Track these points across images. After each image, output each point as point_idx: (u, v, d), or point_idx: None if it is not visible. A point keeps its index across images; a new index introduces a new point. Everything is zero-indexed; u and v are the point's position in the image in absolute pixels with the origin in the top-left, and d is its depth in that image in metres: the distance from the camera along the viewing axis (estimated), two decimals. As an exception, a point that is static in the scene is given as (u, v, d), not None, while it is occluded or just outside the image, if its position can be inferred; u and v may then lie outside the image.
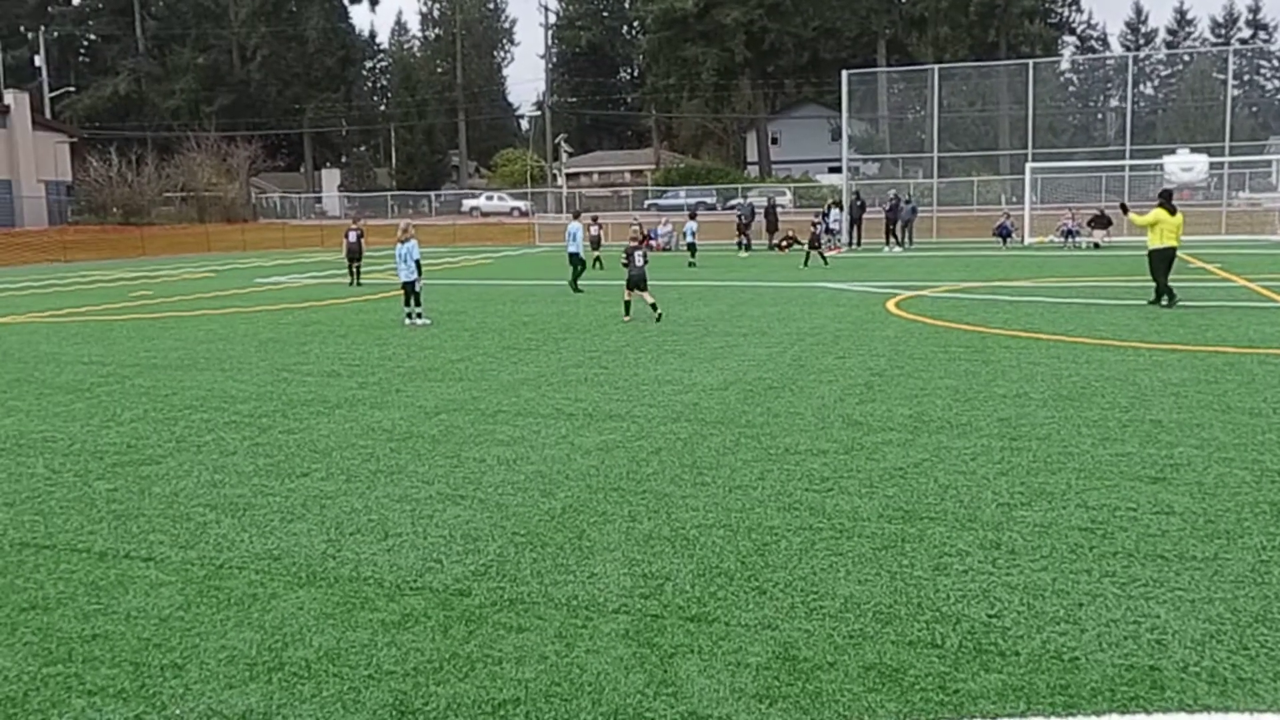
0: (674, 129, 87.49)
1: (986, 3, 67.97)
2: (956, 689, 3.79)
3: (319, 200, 78.23)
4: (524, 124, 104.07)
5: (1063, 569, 4.93)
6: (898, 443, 7.44)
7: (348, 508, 6.20)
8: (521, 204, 67.46)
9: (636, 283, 15.58)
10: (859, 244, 37.14)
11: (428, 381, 10.56)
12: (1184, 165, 37.56)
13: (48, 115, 62.51)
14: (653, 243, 37.98)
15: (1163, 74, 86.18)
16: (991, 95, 57.62)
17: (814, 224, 29.62)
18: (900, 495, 6.17)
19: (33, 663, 4.20)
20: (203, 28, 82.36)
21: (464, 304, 18.82)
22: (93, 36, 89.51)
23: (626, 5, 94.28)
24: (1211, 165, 38.80)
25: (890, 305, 16.72)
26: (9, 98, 52.56)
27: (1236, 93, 41.33)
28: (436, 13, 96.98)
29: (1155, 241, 15.72)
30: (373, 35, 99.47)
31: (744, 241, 35.61)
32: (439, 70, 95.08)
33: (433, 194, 75.82)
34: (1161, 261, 15.69)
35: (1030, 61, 44.00)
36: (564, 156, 79.73)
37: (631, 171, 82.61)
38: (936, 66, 45.32)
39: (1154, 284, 15.77)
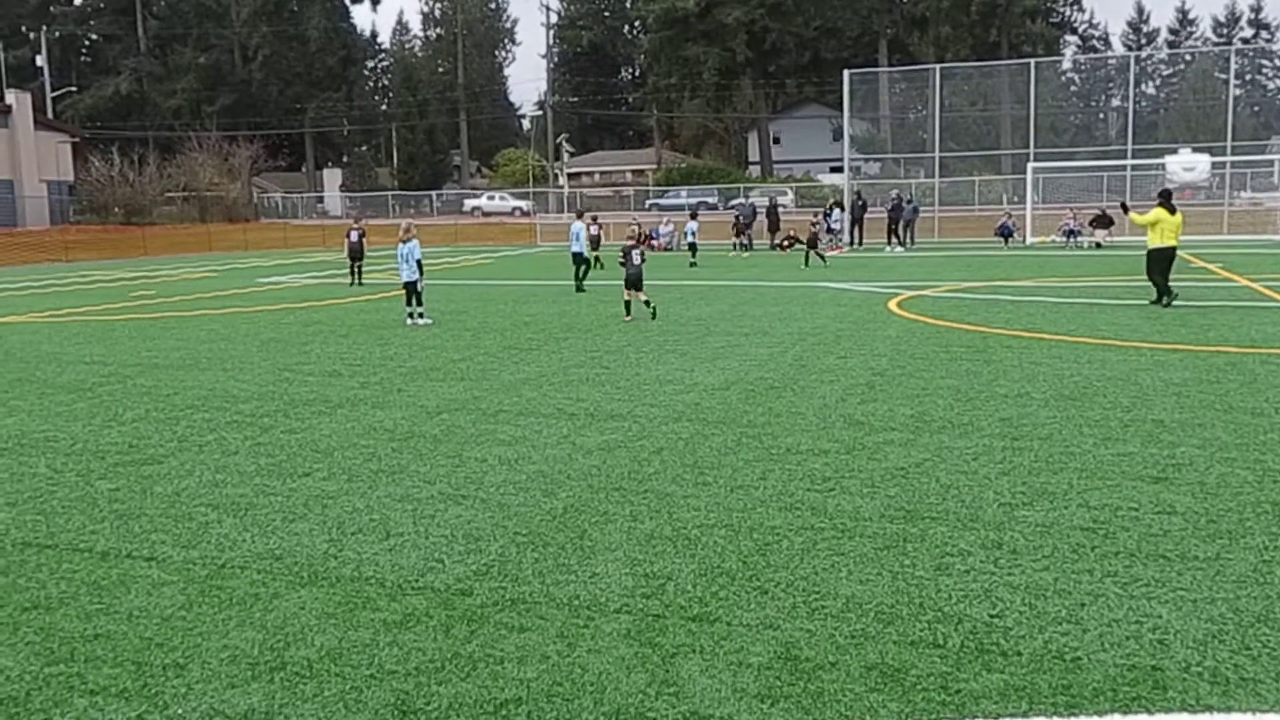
0: (675, 129, 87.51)
1: (988, 2, 67.96)
2: (958, 689, 3.79)
3: (320, 200, 78.27)
4: (525, 124, 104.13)
5: (1065, 569, 4.93)
6: (899, 442, 7.44)
7: (349, 507, 6.20)
8: (523, 204, 67.46)
9: (634, 281, 15.59)
10: (860, 244, 37.14)
11: (429, 381, 10.56)
12: (1186, 165, 37.55)
13: (50, 115, 62.56)
14: (654, 243, 38.03)
15: (1164, 73, 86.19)
16: (993, 95, 57.61)
17: (813, 223, 29.66)
18: (902, 495, 6.17)
19: (35, 662, 4.21)
20: (204, 27, 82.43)
21: (465, 304, 18.83)
22: (94, 36, 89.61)
23: (628, 5, 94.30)
24: (1213, 165, 38.78)
25: (892, 305, 16.71)
26: (11, 97, 52.61)
27: (1238, 92, 41.27)
28: (438, 12, 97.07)
29: (1155, 241, 15.74)
30: (374, 35, 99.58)
31: (742, 242, 35.60)
32: (440, 70, 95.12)
33: (434, 194, 75.88)
34: (1162, 261, 15.70)
35: (1032, 61, 43.96)
36: (565, 156, 79.75)
37: (633, 171, 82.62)
38: (938, 66, 45.31)
39: (1158, 282, 15.78)
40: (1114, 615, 4.39)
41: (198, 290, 23.65)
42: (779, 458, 7.10)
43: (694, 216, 32.56)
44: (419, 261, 15.73)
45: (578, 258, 20.76)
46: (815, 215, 32.27)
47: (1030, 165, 37.71)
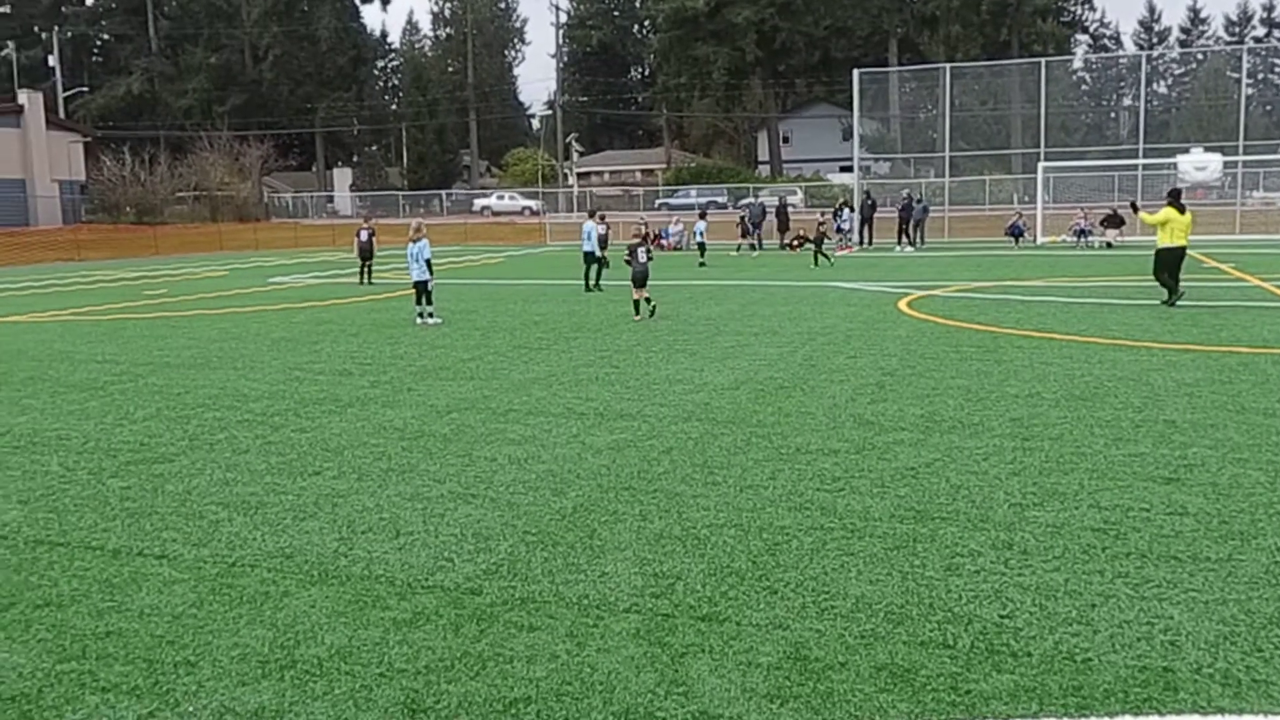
0: (685, 128, 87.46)
1: (998, 1, 67.80)
2: (968, 690, 3.78)
3: (331, 199, 78.45)
4: (535, 123, 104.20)
5: (1075, 570, 4.92)
6: (909, 442, 7.43)
7: (359, 506, 6.22)
8: (532, 203, 67.51)
9: (641, 280, 15.61)
10: (870, 243, 37.08)
11: (439, 380, 10.58)
12: (1198, 164, 37.40)
13: (61, 115, 62.86)
14: (664, 242, 38.03)
15: (1176, 72, 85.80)
16: (1004, 94, 57.45)
17: (820, 223, 29.72)
18: (912, 495, 6.16)
19: (47, 659, 4.23)
20: (215, 27, 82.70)
21: (475, 303, 18.85)
22: (106, 36, 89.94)
23: (637, 4, 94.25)
24: (1225, 164, 38.60)
25: (902, 305, 16.68)
26: (23, 97, 52.84)
27: (1250, 91, 41.11)
28: (448, 12, 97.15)
29: (1165, 240, 15.69)
30: (384, 35, 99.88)
31: (751, 243, 35.58)
32: (450, 70, 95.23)
33: (444, 193, 75.99)
34: (1171, 260, 15.65)
35: (1043, 60, 43.85)
36: (575, 156, 79.80)
37: (642, 171, 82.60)
38: (948, 65, 45.24)
39: (1162, 284, 15.75)
40: (1125, 616, 4.37)
41: (209, 289, 23.72)
42: (788, 457, 7.09)
43: (702, 216, 32.58)
44: (428, 261, 15.75)
45: (589, 257, 20.75)
46: (821, 215, 32.24)
47: (1041, 165, 37.59)
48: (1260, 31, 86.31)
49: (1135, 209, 18.49)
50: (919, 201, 36.18)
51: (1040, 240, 35.67)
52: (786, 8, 72.33)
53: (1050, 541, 5.30)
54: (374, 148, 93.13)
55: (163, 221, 54.36)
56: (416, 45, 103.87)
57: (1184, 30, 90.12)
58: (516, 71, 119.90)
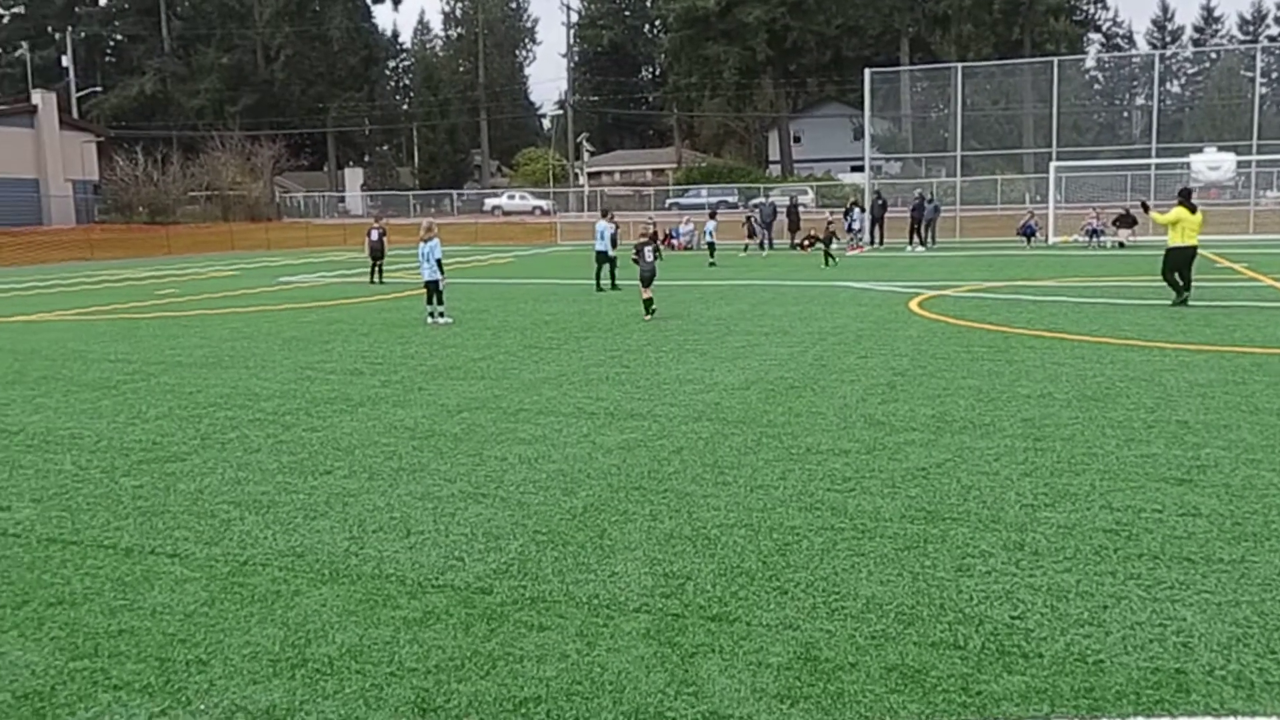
0: (695, 128, 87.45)
1: (1011, 0, 67.54)
2: (979, 691, 3.77)
3: (342, 199, 78.66)
4: (546, 123, 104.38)
5: (1087, 571, 4.90)
6: (920, 443, 7.41)
7: (370, 505, 6.23)
8: (543, 203, 67.59)
9: (647, 279, 15.65)
10: (881, 243, 37.01)
11: (450, 380, 10.60)
12: (1211, 164, 37.24)
13: (75, 115, 63.17)
14: (674, 242, 38.03)
15: (1189, 72, 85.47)
16: (1015, 93, 57.30)
17: (828, 222, 29.76)
18: (923, 496, 6.14)
19: (60, 657, 4.25)
20: (227, 28, 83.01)
21: (486, 302, 18.87)
22: (119, 37, 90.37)
23: (648, 4, 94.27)
24: (1239, 164, 38.40)
25: (913, 305, 16.64)
26: (37, 98, 53.11)
27: (1264, 90, 40.85)
28: (459, 12, 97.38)
29: (1176, 239, 15.64)
30: (395, 35, 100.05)
31: (762, 240, 35.56)
32: (461, 69, 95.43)
33: (455, 193, 76.09)
34: (1182, 259, 15.60)
35: (1055, 59, 43.67)
36: (585, 155, 79.85)
37: (653, 170, 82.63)
38: (960, 65, 45.09)
39: (1169, 284, 15.70)
40: (1137, 618, 4.35)
41: (220, 289, 23.81)
42: (799, 457, 7.08)
43: (713, 216, 32.58)
44: (440, 260, 15.78)
45: (602, 256, 20.75)
46: (831, 214, 32.23)
47: (1053, 164, 37.46)
48: (1275, 30, 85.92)
49: (1146, 209, 18.43)
50: (930, 201, 36.09)
51: (1052, 240, 35.54)
52: (798, 7, 72.24)
53: (1062, 542, 5.29)
54: (385, 147, 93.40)
55: (175, 221, 54.59)
56: (428, 45, 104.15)
57: (1197, 29, 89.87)
58: (527, 71, 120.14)
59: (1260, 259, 25.03)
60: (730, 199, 61.16)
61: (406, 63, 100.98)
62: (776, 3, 71.62)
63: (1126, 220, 32.58)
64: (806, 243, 35.03)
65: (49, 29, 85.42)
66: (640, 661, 4.06)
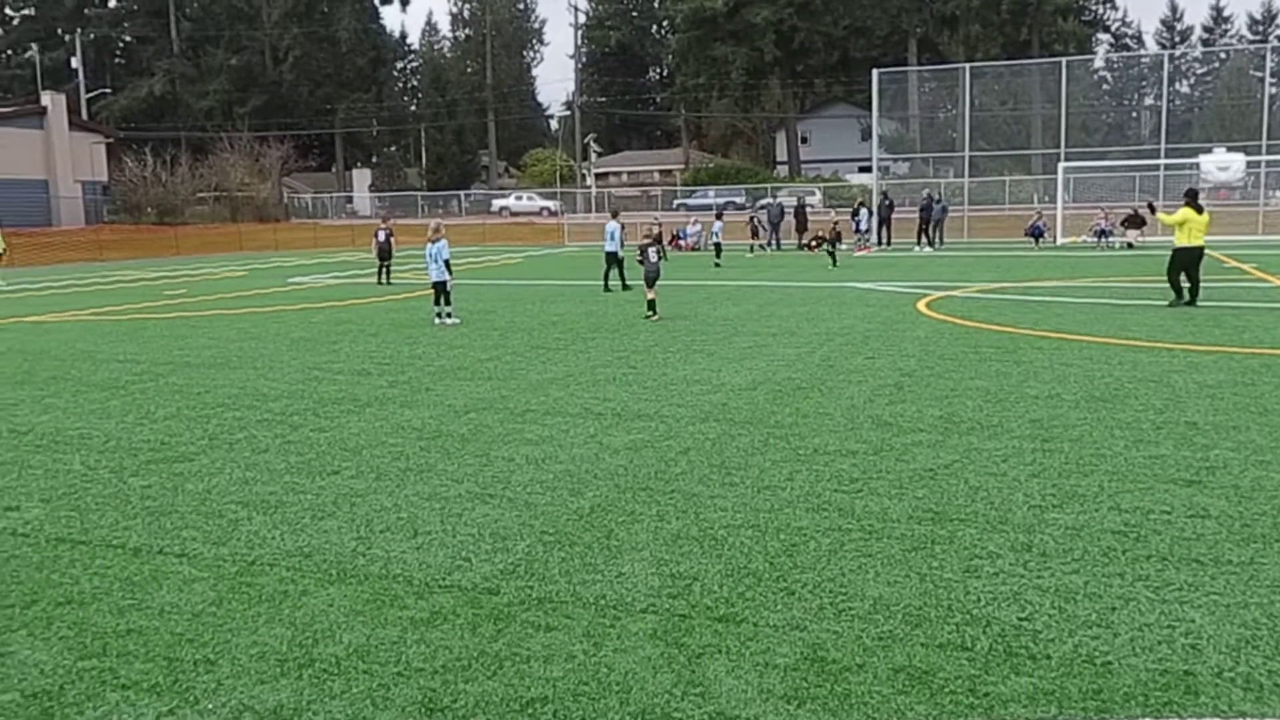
0: (703, 128, 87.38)
1: (1019, 1, 67.38)
2: (987, 692, 3.77)
3: (350, 200, 78.82)
4: (553, 124, 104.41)
5: (1095, 572, 4.88)
6: (928, 444, 7.40)
7: (377, 505, 6.24)
8: (551, 204, 67.59)
9: (651, 280, 15.68)
10: (889, 244, 36.97)
11: (457, 380, 10.61)
12: (1220, 164, 37.10)
13: (84, 116, 63.32)
14: (682, 242, 38.05)
15: (1199, 72, 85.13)
16: (1024, 94, 57.10)
17: (834, 223, 29.81)
18: (930, 497, 6.13)
19: (68, 656, 4.26)
20: (236, 29, 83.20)
21: (493, 303, 18.89)
22: (128, 38, 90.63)
23: (656, 5, 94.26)
24: (1248, 164, 38.25)
25: (920, 305, 16.62)
26: (46, 99, 53.32)
27: (1274, 91, 40.58)
28: (467, 13, 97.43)
29: (1182, 240, 15.63)
30: (403, 36, 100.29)
31: (769, 241, 35.56)
32: (469, 70, 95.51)
33: (462, 194, 76.15)
34: (1189, 260, 15.57)
35: (1063, 60, 43.58)
36: (593, 156, 79.88)
37: (660, 171, 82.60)
38: (968, 65, 45.03)
39: (1187, 284, 15.66)
40: (1145, 619, 4.34)
41: (228, 290, 23.87)
42: (806, 458, 7.08)
43: (719, 217, 32.58)
44: (447, 261, 15.80)
45: (611, 257, 20.76)
46: (836, 215, 32.28)
47: (1061, 165, 37.38)
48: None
49: (1153, 210, 18.40)
50: (938, 201, 36.04)
51: (1060, 241, 35.46)
52: (805, 8, 72.15)
53: (1070, 544, 5.27)
54: (393, 148, 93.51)
55: (183, 222, 54.75)
56: (435, 46, 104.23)
57: (1206, 29, 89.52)
58: (535, 72, 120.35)
59: (1269, 259, 24.93)
60: (738, 200, 61.15)
61: (414, 64, 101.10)
62: (784, 3, 71.54)
63: (1135, 221, 32.49)
64: (814, 243, 35.02)
65: (59, 31, 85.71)
66: (647, 662, 4.06)
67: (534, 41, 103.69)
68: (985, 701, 3.70)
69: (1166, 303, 15.64)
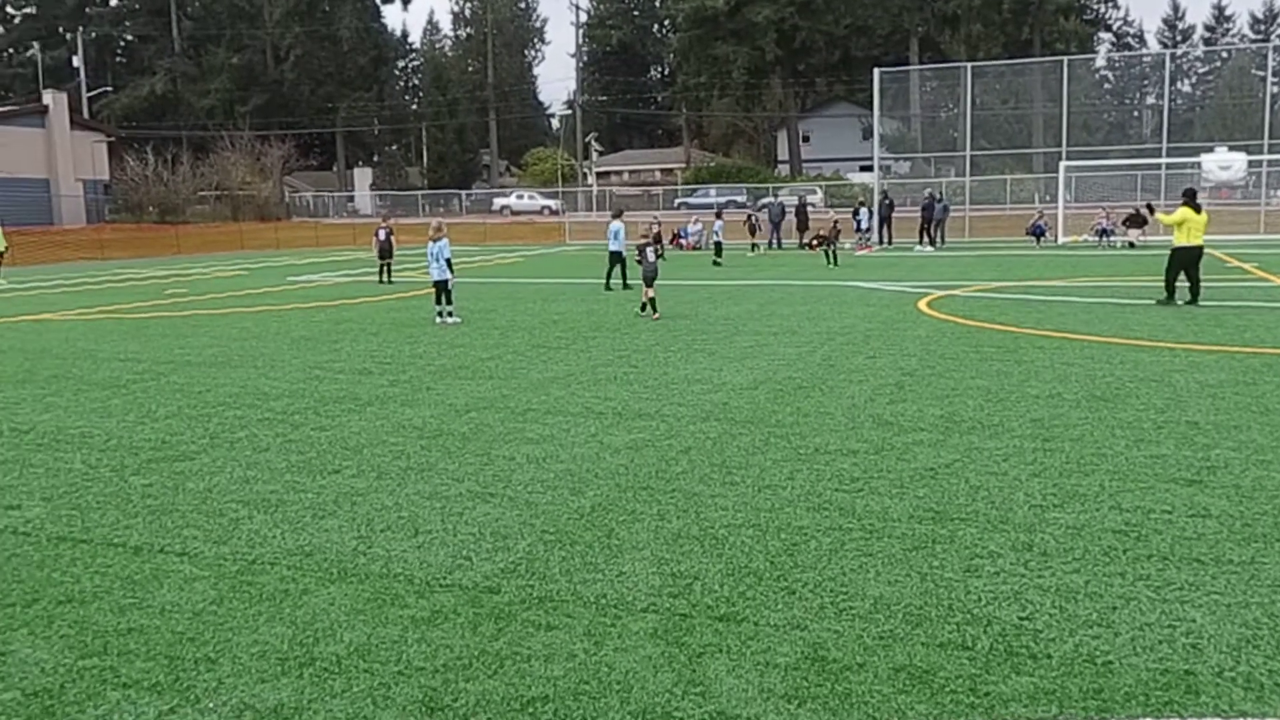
0: (704, 127, 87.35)
1: (1020, 0, 67.33)
2: (987, 691, 3.77)
3: (351, 199, 78.85)
4: (555, 123, 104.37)
5: (1096, 572, 4.88)
6: (929, 443, 7.39)
7: (378, 505, 6.24)
8: (552, 203, 67.62)
9: (649, 279, 15.70)
10: (890, 243, 36.96)
11: (458, 379, 10.61)
12: (1222, 163, 37.08)
13: (85, 115, 63.36)
14: (683, 241, 38.04)
15: (1200, 71, 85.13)
16: (1025, 93, 57.04)
17: (835, 222, 29.84)
18: (931, 496, 6.13)
19: (69, 655, 4.26)
20: (237, 28, 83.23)
21: (494, 302, 18.89)
22: (130, 37, 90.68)
23: (657, 4, 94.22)
24: (1250, 163, 38.21)
25: (921, 305, 16.61)
26: (48, 98, 53.34)
27: (1276, 90, 40.50)
28: (468, 12, 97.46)
29: (1181, 239, 15.64)
30: (405, 35, 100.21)
31: (771, 240, 35.56)
32: (470, 69, 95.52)
33: (464, 193, 76.19)
34: (1188, 259, 15.58)
35: (1065, 59, 43.51)
36: (594, 155, 79.87)
37: (662, 170, 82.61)
38: (969, 64, 44.96)
39: (1184, 284, 15.67)
40: (1146, 619, 4.34)
41: (230, 288, 23.87)
42: (807, 458, 7.08)
43: (719, 216, 32.58)
44: (449, 260, 15.80)
45: (615, 257, 20.77)
46: (836, 214, 32.31)
47: (1063, 164, 37.34)
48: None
49: (1151, 210, 18.42)
50: (939, 200, 36.03)
51: (1062, 240, 35.45)
52: (806, 7, 72.13)
53: (1071, 543, 5.27)
54: (394, 147, 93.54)
55: (185, 221, 54.78)
56: (437, 45, 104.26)
57: (1208, 28, 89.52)
58: (536, 71, 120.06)
59: (1271, 259, 24.92)
60: (739, 199, 61.14)
61: (416, 63, 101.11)
62: (785, 2, 71.50)
63: (1136, 220, 32.47)
64: (815, 242, 35.01)
65: (60, 29, 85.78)
66: (648, 661, 4.06)
67: (535, 40, 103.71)
68: (986, 701, 3.70)
69: (1154, 300, 15.71)
